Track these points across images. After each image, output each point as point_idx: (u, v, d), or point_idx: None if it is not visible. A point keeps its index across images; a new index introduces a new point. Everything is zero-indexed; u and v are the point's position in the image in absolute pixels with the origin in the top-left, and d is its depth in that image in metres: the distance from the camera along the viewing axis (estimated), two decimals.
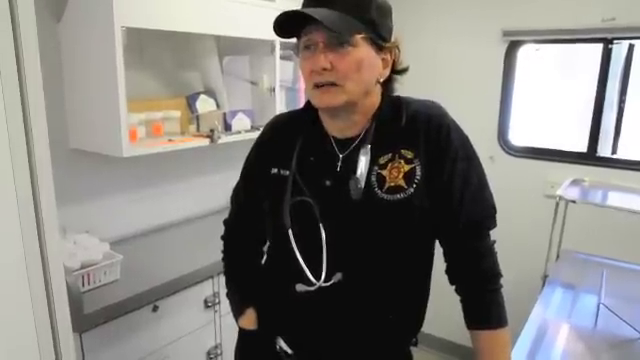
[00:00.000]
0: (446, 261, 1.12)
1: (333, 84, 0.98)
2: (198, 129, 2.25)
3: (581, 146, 2.60)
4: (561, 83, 2.80)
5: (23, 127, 1.03)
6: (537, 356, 1.49)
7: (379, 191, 1.01)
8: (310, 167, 1.08)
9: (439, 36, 2.85)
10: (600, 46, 2.45)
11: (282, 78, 2.43)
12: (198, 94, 2.25)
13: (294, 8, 0.97)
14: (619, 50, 2.43)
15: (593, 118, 2.54)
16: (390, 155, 1.03)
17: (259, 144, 1.21)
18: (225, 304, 1.31)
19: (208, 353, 2.01)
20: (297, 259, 1.04)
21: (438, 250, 1.13)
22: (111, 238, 2.01)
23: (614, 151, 2.54)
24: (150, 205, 2.30)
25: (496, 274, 1.09)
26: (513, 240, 2.03)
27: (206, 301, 1.95)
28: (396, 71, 1.08)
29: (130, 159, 1.80)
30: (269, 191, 1.12)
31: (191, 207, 2.51)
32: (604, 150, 2.55)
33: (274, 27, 0.98)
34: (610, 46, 2.43)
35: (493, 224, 1.09)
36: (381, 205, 1.01)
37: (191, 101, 2.22)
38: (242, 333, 1.26)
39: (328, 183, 1.05)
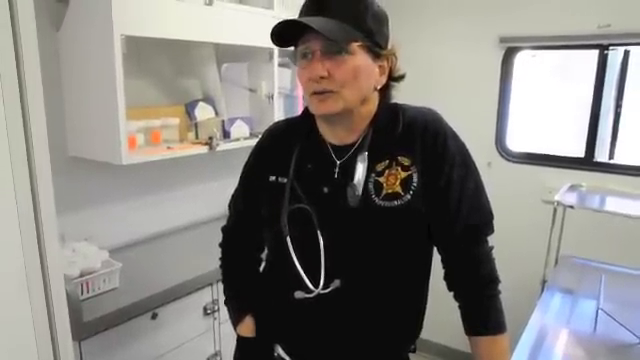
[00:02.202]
0: (444, 267, 1.12)
1: (330, 92, 0.99)
2: (197, 136, 2.25)
3: (578, 151, 2.61)
4: (558, 89, 2.81)
5: (23, 135, 1.03)
6: None
7: (376, 198, 1.02)
8: (308, 174, 1.08)
9: (436, 42, 2.86)
10: (596, 52, 2.47)
11: (280, 85, 2.44)
12: (197, 101, 2.26)
13: (291, 16, 0.98)
14: (615, 56, 2.45)
15: (590, 123, 2.55)
16: (387, 162, 1.04)
17: (257, 151, 1.22)
18: (224, 311, 1.31)
19: None
20: (295, 266, 1.04)
21: (436, 256, 1.14)
22: (110, 246, 2.01)
23: (611, 156, 2.55)
24: (149, 212, 2.30)
25: (494, 280, 1.09)
26: (511, 246, 2.03)
27: (205, 308, 1.95)
28: (393, 78, 1.09)
29: (129, 167, 1.80)
30: (267, 198, 1.13)
31: (190, 214, 2.51)
32: (601, 155, 2.56)
33: (272, 36, 0.99)
34: (606, 52, 2.44)
35: (491, 230, 1.10)
36: (378, 212, 1.01)
37: (190, 108, 2.23)
38: (240, 340, 1.26)
39: (326, 190, 1.06)
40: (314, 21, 0.94)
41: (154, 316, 1.75)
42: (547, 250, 2.27)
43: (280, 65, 2.38)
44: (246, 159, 1.24)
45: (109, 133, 1.75)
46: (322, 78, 0.98)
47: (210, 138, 2.15)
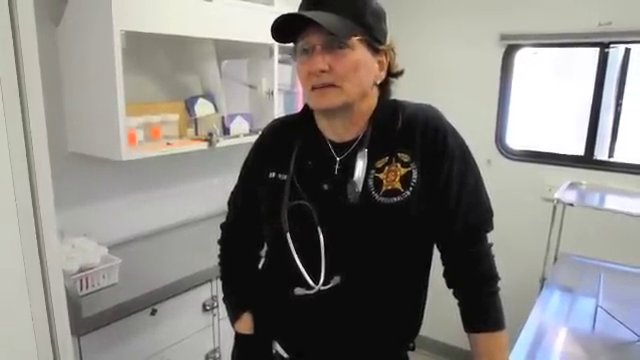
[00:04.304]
0: (444, 264, 1.12)
1: (331, 85, 0.99)
2: (196, 133, 2.25)
3: (578, 149, 2.61)
4: (558, 86, 2.81)
5: (22, 130, 1.03)
6: (535, 359, 1.49)
7: (376, 194, 1.02)
8: (308, 171, 1.08)
9: (437, 40, 2.86)
10: (597, 50, 2.47)
11: (280, 82, 2.43)
12: (196, 98, 2.25)
13: (291, 12, 0.98)
14: (615, 54, 2.45)
15: (590, 121, 2.55)
16: (387, 158, 1.04)
17: (257, 148, 1.22)
18: (223, 308, 1.31)
19: (206, 357, 2.01)
20: (295, 263, 1.04)
21: (436, 253, 1.13)
22: (109, 242, 2.01)
23: (611, 154, 2.55)
24: (148, 208, 2.30)
25: (494, 277, 1.09)
26: (511, 243, 2.04)
27: (204, 305, 1.95)
28: (392, 74, 1.09)
29: (128, 162, 1.80)
30: (267, 195, 1.12)
31: (189, 210, 2.51)
32: (601, 153, 2.56)
33: (272, 31, 0.99)
34: (606, 50, 2.44)
35: (490, 227, 1.09)
36: (378, 208, 1.01)
37: (190, 105, 2.22)
38: (238, 337, 1.26)
39: (326, 187, 1.06)
40: (315, 15, 0.94)
41: (153, 312, 1.76)
42: (546, 248, 2.27)
43: (280, 62, 2.37)
44: (246, 156, 1.24)
45: (109, 129, 1.75)
46: (323, 72, 0.98)
47: (210, 134, 2.14)
